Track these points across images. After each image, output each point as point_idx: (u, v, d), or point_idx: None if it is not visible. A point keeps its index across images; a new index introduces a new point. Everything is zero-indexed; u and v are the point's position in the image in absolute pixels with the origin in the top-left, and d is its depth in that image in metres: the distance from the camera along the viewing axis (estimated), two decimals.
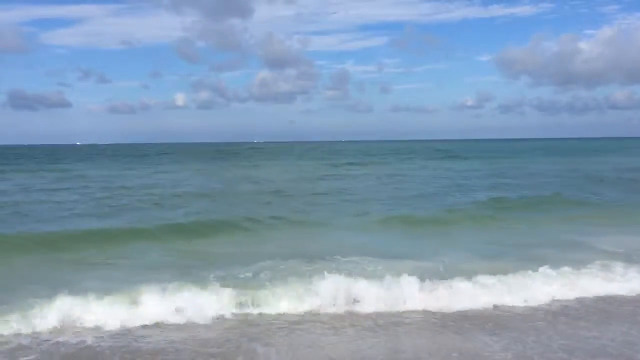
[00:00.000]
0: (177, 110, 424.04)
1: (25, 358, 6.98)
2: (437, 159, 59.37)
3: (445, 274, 10.14)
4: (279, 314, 8.61)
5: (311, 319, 8.47)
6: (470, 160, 56.84)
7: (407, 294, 9.10)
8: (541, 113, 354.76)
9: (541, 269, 10.21)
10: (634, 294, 9.61)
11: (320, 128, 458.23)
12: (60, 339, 7.55)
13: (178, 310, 8.42)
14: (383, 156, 69.92)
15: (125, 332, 7.83)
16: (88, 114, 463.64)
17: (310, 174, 38.34)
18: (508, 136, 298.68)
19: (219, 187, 28.66)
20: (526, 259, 11.51)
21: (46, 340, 7.52)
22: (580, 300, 9.33)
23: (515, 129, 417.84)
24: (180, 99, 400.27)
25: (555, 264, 10.47)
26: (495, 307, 8.97)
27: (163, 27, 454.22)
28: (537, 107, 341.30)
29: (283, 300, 8.88)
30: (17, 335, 7.65)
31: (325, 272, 9.50)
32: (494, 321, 8.34)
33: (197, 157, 71.72)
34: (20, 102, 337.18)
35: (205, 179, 34.66)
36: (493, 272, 10.00)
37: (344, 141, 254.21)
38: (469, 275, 9.83)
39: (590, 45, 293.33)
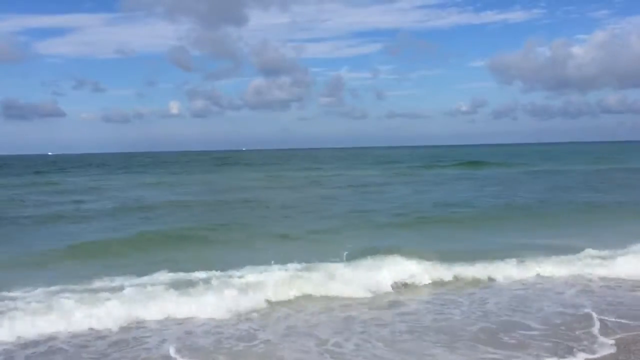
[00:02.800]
0: (172, 118, 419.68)
1: None
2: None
3: None
4: None
5: None
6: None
7: None
8: (534, 118, 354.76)
9: None
10: None
11: (314, 135, 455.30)
12: None
13: None
14: (408, 162, 62.32)
15: None
16: (82, 123, 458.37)
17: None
18: (502, 141, 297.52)
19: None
20: None
21: None
22: None
23: (508, 134, 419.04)
24: (174, 107, 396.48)
25: None
26: None
27: (157, 35, 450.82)
28: (531, 112, 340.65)
29: None
30: None
31: None
32: None
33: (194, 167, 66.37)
34: (14, 111, 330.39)
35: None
36: None
37: (339, 148, 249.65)
38: None
39: (583, 50, 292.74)
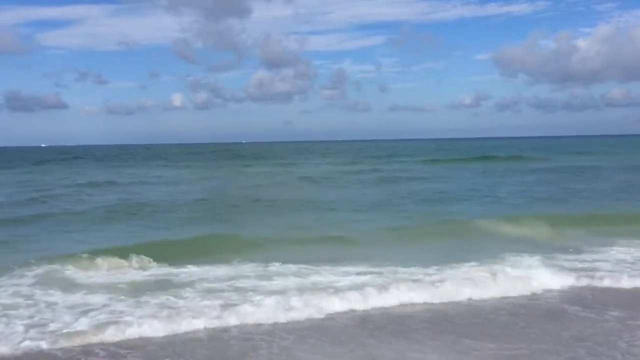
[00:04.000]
0: (174, 111, 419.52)
1: None
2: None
3: None
4: None
5: None
6: None
7: None
8: (538, 111, 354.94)
9: None
10: None
11: (317, 128, 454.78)
12: None
13: None
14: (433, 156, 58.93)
15: None
16: (85, 115, 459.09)
17: None
18: (505, 134, 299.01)
19: None
20: None
21: None
22: None
23: (512, 127, 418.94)
24: (177, 99, 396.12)
25: None
26: None
27: (160, 27, 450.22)
28: (535, 105, 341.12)
29: None
30: None
31: None
32: None
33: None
34: (17, 103, 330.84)
35: None
36: None
37: (342, 141, 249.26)
38: None
39: (587, 43, 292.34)
